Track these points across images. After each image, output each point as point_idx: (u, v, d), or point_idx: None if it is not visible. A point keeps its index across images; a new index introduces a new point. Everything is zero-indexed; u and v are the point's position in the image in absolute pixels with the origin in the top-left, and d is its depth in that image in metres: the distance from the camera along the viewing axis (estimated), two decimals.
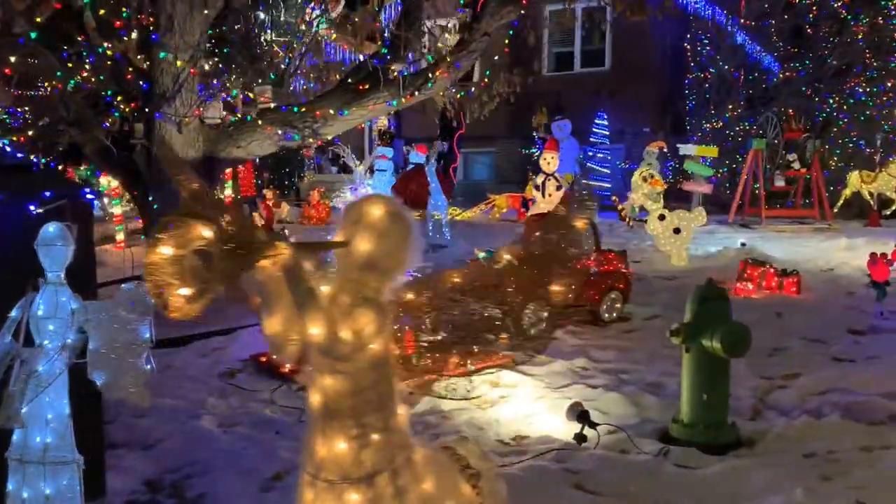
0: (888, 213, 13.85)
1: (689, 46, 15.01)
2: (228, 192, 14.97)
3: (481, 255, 6.15)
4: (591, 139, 16.22)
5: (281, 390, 4.62)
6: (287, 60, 10.62)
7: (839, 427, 3.84)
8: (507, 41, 9.87)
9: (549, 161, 10.76)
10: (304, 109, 7.46)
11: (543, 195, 10.79)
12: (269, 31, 12.21)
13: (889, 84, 13.44)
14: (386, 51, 7.71)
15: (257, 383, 4.78)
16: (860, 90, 13.75)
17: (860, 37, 13.62)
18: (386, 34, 8.21)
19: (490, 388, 4.56)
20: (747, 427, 3.96)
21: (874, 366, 5.02)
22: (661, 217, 9.08)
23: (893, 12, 14.36)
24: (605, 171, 16.40)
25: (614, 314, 6.40)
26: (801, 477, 3.31)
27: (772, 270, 7.69)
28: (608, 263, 6.39)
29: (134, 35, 7.15)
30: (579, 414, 3.77)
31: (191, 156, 7.11)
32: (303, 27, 11.10)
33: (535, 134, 17.02)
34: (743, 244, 9.85)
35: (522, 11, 8.07)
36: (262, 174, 20.67)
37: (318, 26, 10.84)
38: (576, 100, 16.83)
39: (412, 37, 7.79)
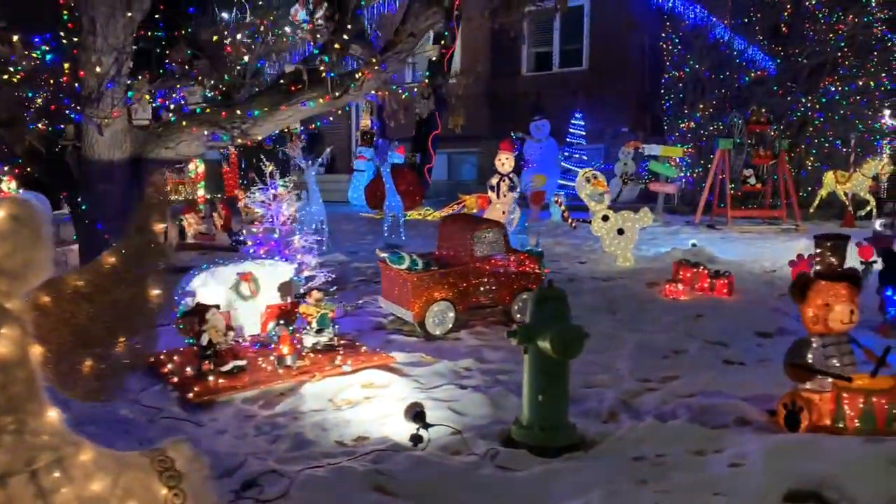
0: (863, 213, 13.69)
1: (664, 45, 14.91)
2: (201, 192, 15.16)
3: (383, 255, 6.15)
4: (568, 139, 16.17)
5: (153, 391, 4.65)
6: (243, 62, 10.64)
7: (681, 430, 3.81)
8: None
9: (504, 161, 10.75)
10: (236, 110, 7.50)
11: (498, 195, 10.79)
12: (234, 33, 12.29)
13: (860, 83, 13.26)
14: (318, 52, 7.74)
15: (135, 383, 4.80)
16: (833, 89, 13.59)
17: (832, 35, 13.45)
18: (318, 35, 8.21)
19: (359, 389, 4.56)
20: (596, 429, 3.94)
21: (760, 369, 4.97)
22: (605, 218, 9.03)
23: (875, 9, 14.20)
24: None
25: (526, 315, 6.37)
26: (614, 481, 3.28)
27: (704, 272, 7.62)
28: (520, 264, 6.35)
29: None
30: (415, 415, 3.77)
31: (117, 157, 7.19)
32: (261, 28, 11.13)
33: (512, 134, 16.97)
34: (694, 245, 9.79)
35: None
36: (248, 174, 20.85)
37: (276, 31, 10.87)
38: (555, 100, 16.81)
39: (348, 38, 7.80)
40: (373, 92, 7.77)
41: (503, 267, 6.27)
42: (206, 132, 7.34)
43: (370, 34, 8.80)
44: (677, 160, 14.90)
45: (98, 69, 6.85)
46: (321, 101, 7.32)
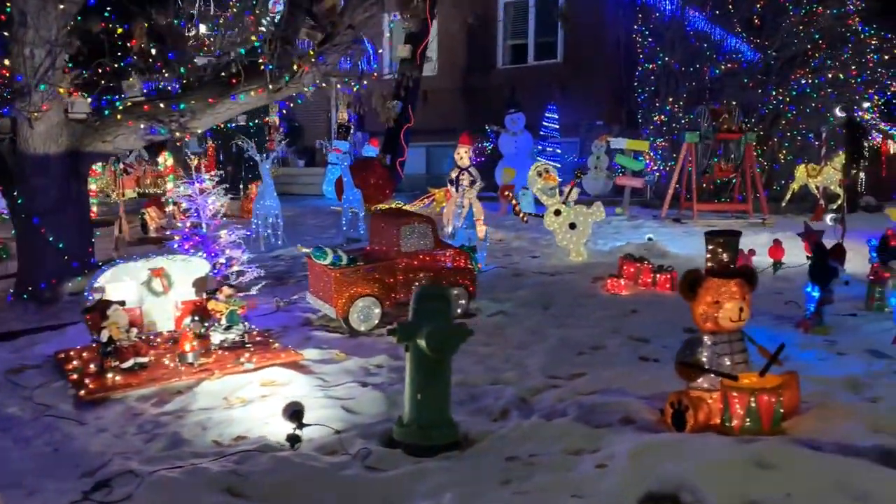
0: (835, 207, 13.58)
1: (635, 38, 14.78)
2: (170, 185, 15.07)
3: (305, 250, 6.08)
4: (542, 132, 16.07)
5: (53, 387, 4.60)
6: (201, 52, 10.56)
7: (564, 430, 3.74)
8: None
9: (463, 155, 10.66)
10: (177, 103, 7.43)
11: (457, 189, 10.70)
12: (198, 26, 12.21)
13: (830, 75, 13.14)
14: (259, 45, 7.65)
15: (35, 380, 4.75)
16: (805, 82, 13.46)
17: (801, 27, 13.32)
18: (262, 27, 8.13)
19: (257, 388, 4.50)
20: (482, 427, 3.87)
21: (673, 366, 4.88)
22: (557, 212, 8.95)
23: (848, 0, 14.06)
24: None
25: (458, 311, 6.31)
26: (479, 481, 3.22)
27: (648, 266, 7.55)
28: (451, 260, 6.29)
29: None
30: (292, 414, 3.71)
31: (53, 150, 7.13)
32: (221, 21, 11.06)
33: (486, 127, 16.89)
34: (650, 239, 9.70)
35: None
36: (226, 168, 20.78)
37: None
38: (530, 93, 16.70)
39: (290, 33, 7.70)
40: (315, 84, 7.66)
41: (432, 262, 6.20)
42: (142, 126, 7.27)
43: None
44: (652, 154, 14.82)
45: (29, 62, 6.78)
46: (258, 94, 7.24)
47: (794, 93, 13.32)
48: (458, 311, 6.31)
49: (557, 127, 15.99)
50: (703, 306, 3.85)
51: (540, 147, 16.16)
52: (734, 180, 12.79)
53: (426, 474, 3.30)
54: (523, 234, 10.91)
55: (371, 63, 19.42)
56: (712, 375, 3.83)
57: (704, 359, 3.87)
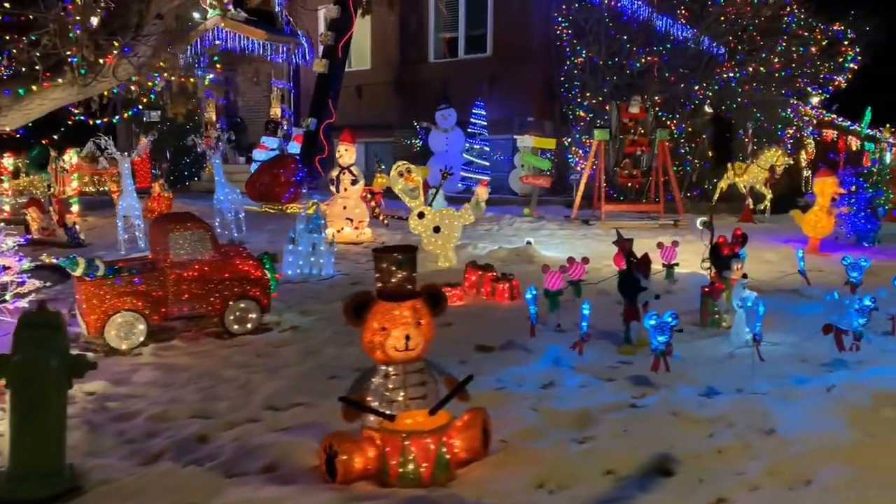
0: (762, 207, 13.01)
1: (558, 30, 14.18)
2: (75, 185, 14.55)
3: (52, 261, 5.55)
4: (470, 129, 15.50)
5: None
6: None
7: (188, 479, 3.19)
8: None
9: (343, 153, 10.13)
10: None
11: (338, 190, 10.17)
12: None
13: (750, 69, 12.52)
14: (73, 37, 7.10)
15: None
16: (731, 75, 12.85)
17: (724, 18, 12.71)
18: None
19: None
20: (114, 474, 3.33)
21: None
22: (421, 215, 8.39)
23: None
24: (485, 163, 15.69)
25: (248, 325, 5.77)
26: None
27: (490, 275, 7.00)
28: (236, 269, 5.74)
29: None
30: None
31: None
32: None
33: (415, 124, 16.34)
34: (528, 243, 9.14)
35: None
36: (161, 165, 20.29)
37: None
38: (462, 88, 16.15)
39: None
40: (132, 78, 7.12)
41: (213, 272, 5.66)
42: None
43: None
44: (581, 152, 14.24)
45: None
46: (69, 88, 6.70)
47: (716, 87, 12.69)
48: (249, 326, 5.79)
49: (485, 124, 15.41)
50: (369, 333, 3.31)
51: (468, 145, 15.61)
52: (648, 181, 12.21)
53: None
54: (411, 236, 10.35)
55: (307, 58, 18.97)
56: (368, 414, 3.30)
57: (371, 393, 3.33)
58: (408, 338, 3.27)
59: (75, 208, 13.71)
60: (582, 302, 4.98)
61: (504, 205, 13.85)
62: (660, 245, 7.30)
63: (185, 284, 5.55)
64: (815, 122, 14.78)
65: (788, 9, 13.20)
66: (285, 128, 18.10)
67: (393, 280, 3.38)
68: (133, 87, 7.89)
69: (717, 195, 13.36)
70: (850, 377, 4.22)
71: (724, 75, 12.65)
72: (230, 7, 17.65)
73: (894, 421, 3.56)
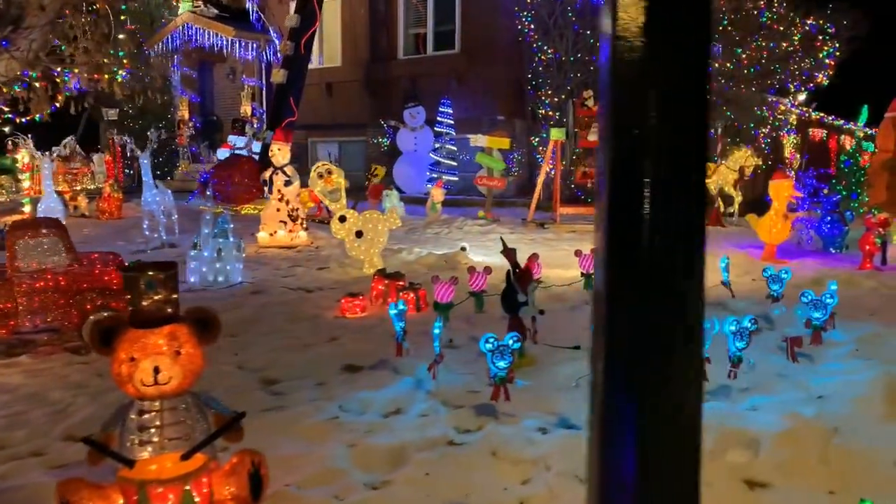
0: (732, 210, 12.47)
1: (517, 23, 13.66)
2: (27, 185, 14.26)
3: None
4: (436, 128, 15.03)
5: None
6: None
7: None
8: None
9: (276, 153, 9.72)
10: None
11: (270, 191, 9.76)
12: None
13: (716, 64, 11.94)
14: None
15: None
16: None
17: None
18: None
19: None
20: None
21: (259, 420, 3.90)
22: (343, 218, 7.95)
23: None
24: (453, 163, 15.21)
25: None
26: None
27: (397, 285, 6.55)
28: (96, 279, 5.33)
29: None
30: None
31: None
32: None
33: (382, 122, 15.89)
34: (463, 248, 8.68)
35: None
36: (134, 163, 19.98)
37: None
38: (430, 85, 15.69)
39: None
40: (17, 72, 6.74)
41: (70, 282, 5.24)
42: None
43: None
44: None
45: None
46: None
47: None
48: None
49: (452, 122, 14.94)
50: (116, 364, 2.87)
51: (438, 144, 15.15)
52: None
53: None
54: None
55: (278, 55, 18.56)
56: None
57: (125, 433, 2.89)
58: (156, 370, 2.82)
59: (27, 209, 13.40)
60: (436, 320, 4.51)
61: (468, 206, 13.39)
62: (578, 253, 6.82)
63: (37, 296, 5.14)
64: (793, 121, 14.15)
65: (763, 2, 12.58)
66: (256, 126, 17.73)
67: (147, 302, 2.94)
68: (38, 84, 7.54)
69: None
70: (722, 410, 3.73)
71: None
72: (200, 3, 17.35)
73: (740, 468, 3.08)
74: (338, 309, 6.33)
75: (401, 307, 4.81)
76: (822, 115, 17.31)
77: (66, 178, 16.84)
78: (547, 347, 5.22)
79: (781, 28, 12.61)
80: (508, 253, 5.03)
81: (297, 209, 9.46)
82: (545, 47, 13.00)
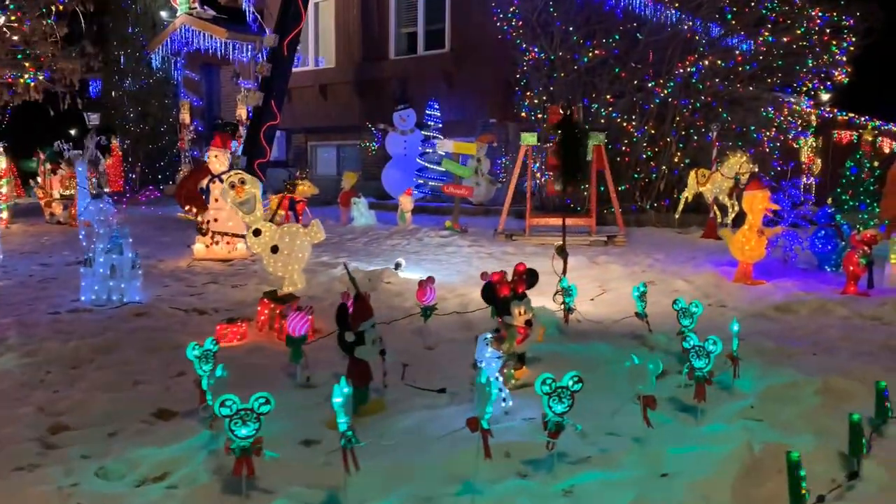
0: (728, 221, 11.46)
1: (499, 23, 12.85)
2: (4, 190, 14.09)
3: None
4: (424, 132, 14.34)
5: None
6: None
7: None
8: None
9: (212, 160, 9.20)
10: None
11: (207, 200, 9.24)
12: None
13: (706, 62, 10.95)
14: None
15: None
16: (692, 70, 11.31)
17: (677, 4, 11.18)
18: None
19: None
20: None
21: None
22: (257, 232, 7.32)
23: None
24: (440, 168, 14.47)
25: None
26: None
27: (282, 309, 5.91)
28: None
29: None
30: None
31: None
32: None
33: (370, 126, 15.27)
34: (397, 265, 8.00)
35: None
36: (135, 167, 19.89)
37: None
38: (423, 86, 15.03)
39: None
40: None
41: None
42: None
43: None
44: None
45: None
46: None
47: (672, 84, 11.16)
48: None
49: (440, 125, 14.23)
50: None
51: (423, 148, 14.46)
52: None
53: None
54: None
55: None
56: None
57: None
58: None
59: (4, 214, 13.23)
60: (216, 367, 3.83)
61: (446, 215, 12.68)
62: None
63: None
64: (801, 122, 12.98)
65: None
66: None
67: None
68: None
69: (681, 206, 11.90)
70: (531, 489, 2.98)
71: (684, 70, 11.12)
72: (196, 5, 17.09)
73: None
74: (219, 339, 5.71)
75: (207, 346, 4.12)
76: (851, 115, 16.02)
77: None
78: (410, 390, 4.54)
79: (789, 21, 11.52)
80: (352, 280, 4.35)
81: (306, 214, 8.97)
82: (531, 47, 12.19)
